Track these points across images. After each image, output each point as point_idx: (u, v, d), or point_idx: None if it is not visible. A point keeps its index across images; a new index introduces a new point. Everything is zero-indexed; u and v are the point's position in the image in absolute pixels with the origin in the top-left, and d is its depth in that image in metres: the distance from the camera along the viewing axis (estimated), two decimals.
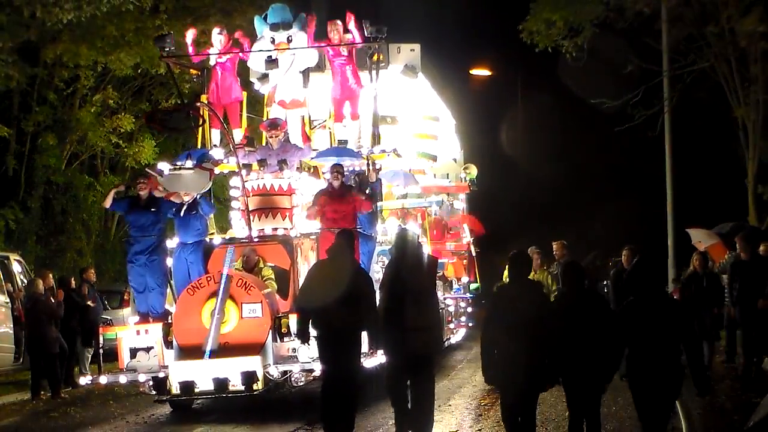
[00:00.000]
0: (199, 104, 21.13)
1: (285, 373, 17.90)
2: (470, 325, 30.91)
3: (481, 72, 39.25)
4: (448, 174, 28.96)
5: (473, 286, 30.98)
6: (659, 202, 32.93)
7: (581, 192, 41.95)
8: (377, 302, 14.87)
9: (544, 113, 42.55)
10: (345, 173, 19.88)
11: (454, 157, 29.79)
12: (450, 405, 19.61)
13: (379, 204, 21.92)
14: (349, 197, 19.34)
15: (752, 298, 19.29)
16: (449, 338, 26.87)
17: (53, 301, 23.48)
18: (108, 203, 20.30)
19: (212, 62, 21.47)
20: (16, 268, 27.08)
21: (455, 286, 29.07)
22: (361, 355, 15.73)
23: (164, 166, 20.15)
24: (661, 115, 32.54)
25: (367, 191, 19.90)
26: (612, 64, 33.57)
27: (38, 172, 34.93)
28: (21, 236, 33.70)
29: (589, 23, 32.13)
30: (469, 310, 30.79)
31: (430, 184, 27.24)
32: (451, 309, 27.96)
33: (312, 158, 21.07)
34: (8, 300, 25.33)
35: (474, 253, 30.01)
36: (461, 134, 31.50)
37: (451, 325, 27.68)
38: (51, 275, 25.21)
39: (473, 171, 30.17)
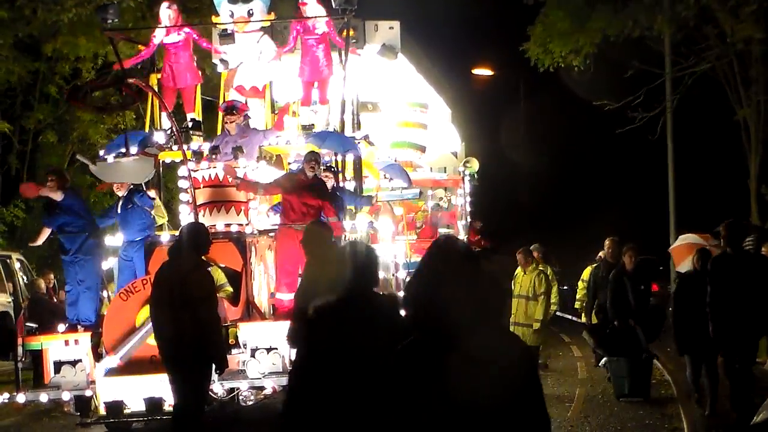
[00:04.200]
0: (131, 81, 17.04)
1: (232, 390, 14.10)
2: None
3: (484, 71, 36.50)
4: (445, 168, 25.80)
5: None
6: (662, 203, 31.56)
7: (583, 192, 40.26)
8: None
9: (546, 114, 40.34)
10: (319, 162, 16.13)
11: (452, 150, 26.71)
12: None
13: (365, 196, 18.64)
14: (321, 195, 15.62)
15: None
16: None
17: (55, 300, 21.13)
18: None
19: (157, 40, 17.70)
20: (18, 267, 25.12)
21: None
22: None
23: (109, 154, 16.84)
24: (661, 117, 30.88)
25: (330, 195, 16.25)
26: (613, 67, 30.98)
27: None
28: (23, 235, 30.45)
29: (589, 43, 30.16)
30: None
31: (426, 177, 24.16)
32: None
33: (307, 141, 17.19)
34: (11, 299, 22.65)
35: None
36: (461, 127, 28.13)
37: None
38: (52, 275, 22.95)
39: (474, 165, 26.65)
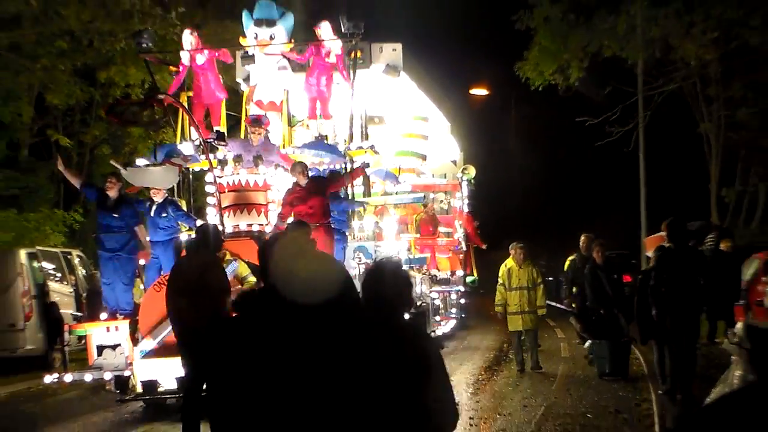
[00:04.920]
0: (161, 97, 16.56)
1: None
2: (462, 316, 26.74)
3: (480, 91, 36.08)
4: (445, 174, 25.13)
5: (469, 278, 26.65)
6: (634, 205, 30.96)
7: (566, 195, 39.43)
8: None
9: (534, 127, 39.82)
10: (309, 170, 15.57)
11: (452, 159, 26.07)
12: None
13: (357, 201, 17.94)
14: (320, 190, 15.12)
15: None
16: (434, 330, 22.31)
17: None
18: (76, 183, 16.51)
19: (185, 62, 17.10)
20: (78, 262, 24.26)
21: (446, 279, 24.56)
22: None
23: (141, 161, 16.62)
24: (634, 131, 30.77)
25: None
26: (594, 86, 31.35)
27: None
28: (82, 235, 30.42)
29: (578, 67, 30.31)
30: (462, 301, 26.36)
31: (428, 182, 23.55)
32: (437, 302, 23.41)
33: (295, 151, 16.70)
34: (72, 290, 22.83)
35: (466, 248, 25.36)
36: (460, 138, 27.41)
37: (437, 318, 23.12)
38: None
39: (471, 171, 26.24)
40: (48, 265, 22.49)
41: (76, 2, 23.56)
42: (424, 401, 5.04)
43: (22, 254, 22.07)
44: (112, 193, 15.27)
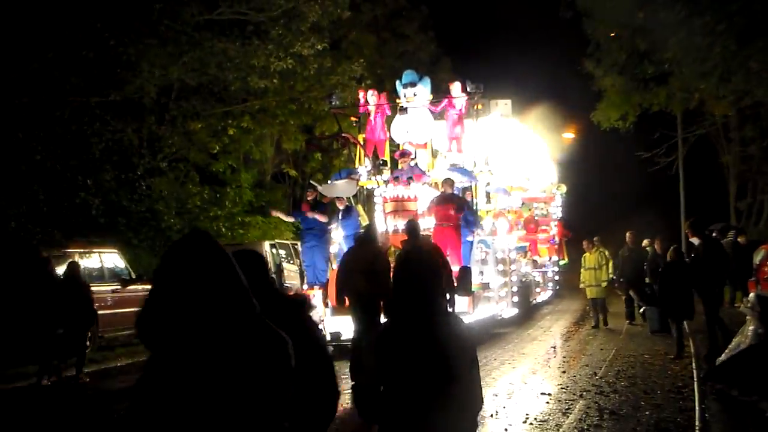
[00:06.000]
0: (344, 135, 15.99)
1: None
2: (556, 288, 25.63)
3: (569, 135, 34.45)
4: (545, 190, 23.26)
5: (562, 262, 25.10)
6: (676, 213, 30.09)
7: (626, 206, 36.31)
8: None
9: (606, 157, 37.88)
10: (455, 185, 14.70)
11: (551, 180, 24.11)
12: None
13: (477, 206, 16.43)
14: (454, 202, 14.11)
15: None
16: (534, 299, 21.43)
17: None
18: (285, 218, 16.54)
19: (368, 113, 16.42)
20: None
21: (545, 263, 23.26)
22: None
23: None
24: (675, 162, 30.18)
25: (463, 206, 14.51)
26: (647, 130, 29.95)
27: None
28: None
29: (632, 113, 28.97)
30: (556, 278, 25.11)
31: (531, 195, 21.94)
32: (537, 279, 22.36)
33: (443, 173, 15.57)
34: (297, 269, 21.51)
35: (558, 240, 23.94)
36: (556, 162, 25.79)
37: (537, 289, 22.15)
38: None
39: (563, 188, 24.88)
40: (282, 252, 22.08)
41: (302, 79, 23.19)
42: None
43: (266, 245, 21.78)
44: (310, 198, 14.68)
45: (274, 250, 22.11)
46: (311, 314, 3.82)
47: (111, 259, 16.94)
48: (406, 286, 3.65)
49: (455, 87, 15.69)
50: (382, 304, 10.30)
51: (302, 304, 3.83)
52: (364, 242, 11.15)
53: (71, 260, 13.70)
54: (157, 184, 21.25)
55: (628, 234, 17.63)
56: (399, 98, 15.99)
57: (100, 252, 16.77)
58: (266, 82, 20.81)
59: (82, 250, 16.21)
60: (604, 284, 17.55)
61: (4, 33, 15.43)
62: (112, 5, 16.67)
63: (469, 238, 14.46)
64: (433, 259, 9.37)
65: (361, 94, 16.59)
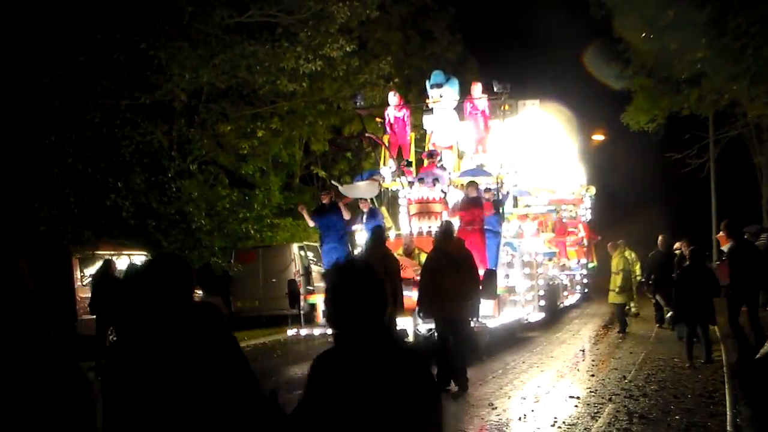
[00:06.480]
0: (367, 134, 15.88)
1: (430, 330, 12.37)
2: (585, 291, 25.12)
3: (599, 137, 34.40)
4: (573, 192, 22.75)
5: (591, 265, 24.90)
6: (707, 214, 30.26)
7: (656, 207, 35.81)
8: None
9: (635, 160, 37.06)
10: (478, 187, 14.31)
11: (580, 181, 23.73)
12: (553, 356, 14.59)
13: (506, 210, 16.10)
14: (479, 204, 13.87)
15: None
16: (562, 302, 20.88)
17: None
18: (309, 221, 15.48)
19: (389, 112, 16.33)
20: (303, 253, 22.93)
21: (573, 266, 22.90)
22: None
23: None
24: (706, 163, 29.87)
25: (492, 201, 14.41)
26: (678, 131, 29.49)
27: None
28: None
29: (663, 118, 28.38)
30: (585, 281, 24.78)
31: (559, 197, 21.38)
32: (565, 282, 21.88)
33: (458, 176, 15.51)
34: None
35: (587, 243, 23.62)
36: (586, 165, 25.48)
37: (565, 293, 21.70)
38: None
39: (592, 190, 24.74)
40: (311, 254, 22.12)
41: (331, 81, 23.22)
42: None
43: (295, 247, 22.12)
44: (326, 201, 14.58)
45: (302, 252, 22.12)
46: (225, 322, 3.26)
47: (141, 261, 17.04)
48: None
49: (476, 88, 15.52)
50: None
51: (215, 313, 3.17)
52: (374, 244, 10.99)
53: (106, 258, 13.88)
54: (187, 187, 21.26)
55: (660, 237, 17.23)
56: (428, 98, 15.88)
57: (129, 254, 16.85)
58: (295, 85, 20.78)
59: (112, 252, 16.33)
60: (616, 289, 16.97)
61: (37, 37, 15.56)
62: (143, 8, 16.73)
63: (495, 242, 14.27)
64: (462, 253, 9.23)
65: (392, 95, 16.47)
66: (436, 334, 10.63)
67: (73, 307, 15.86)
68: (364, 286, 2.76)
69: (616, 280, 17.03)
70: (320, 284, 20.10)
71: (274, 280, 20.92)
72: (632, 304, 19.20)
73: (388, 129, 16.01)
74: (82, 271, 16.69)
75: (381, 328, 2.76)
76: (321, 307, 13.86)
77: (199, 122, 22.15)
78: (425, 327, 12.34)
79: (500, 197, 14.92)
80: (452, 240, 10.51)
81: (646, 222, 28.24)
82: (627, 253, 17.49)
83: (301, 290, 18.88)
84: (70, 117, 17.40)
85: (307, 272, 21.70)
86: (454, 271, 9.85)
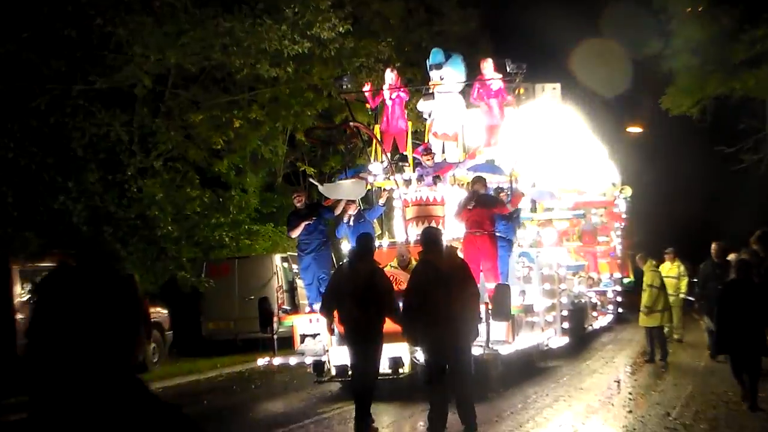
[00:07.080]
0: (352, 123, 15.50)
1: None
2: (619, 311, 24.19)
3: (635, 129, 34.03)
4: (605, 193, 22.34)
5: (626, 280, 24.36)
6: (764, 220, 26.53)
7: (703, 210, 36.42)
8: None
9: (678, 155, 36.89)
10: (487, 184, 13.80)
11: (612, 181, 23.21)
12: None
13: (521, 214, 15.77)
14: (489, 204, 13.26)
15: None
16: (591, 325, 20.12)
17: None
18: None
19: (379, 98, 15.76)
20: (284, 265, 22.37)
21: (604, 281, 22.28)
22: None
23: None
24: (766, 159, 28.07)
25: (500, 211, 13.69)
26: (731, 121, 28.44)
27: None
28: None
29: (710, 100, 27.36)
30: (619, 299, 23.84)
31: (587, 200, 20.87)
32: (594, 300, 21.24)
33: (467, 169, 14.83)
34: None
35: (623, 254, 23.48)
36: (617, 162, 24.56)
37: (594, 313, 21.05)
38: None
39: (628, 191, 24.05)
40: (296, 267, 20.89)
41: (320, 64, 22.95)
42: None
43: (277, 258, 21.79)
44: (300, 205, 14.16)
45: (285, 264, 21.76)
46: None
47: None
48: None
49: (487, 65, 14.96)
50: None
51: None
52: (359, 256, 10.36)
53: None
54: (150, 187, 20.94)
55: (713, 246, 15.91)
56: (430, 80, 15.48)
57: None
58: (278, 71, 20.41)
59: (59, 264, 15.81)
60: (642, 314, 16.21)
61: None
62: None
63: (507, 251, 13.73)
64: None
65: (389, 72, 15.91)
66: (426, 366, 9.96)
67: (11, 328, 15.33)
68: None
69: (644, 299, 16.26)
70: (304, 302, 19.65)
71: (252, 297, 20.36)
72: (670, 327, 18.15)
73: (384, 117, 15.46)
74: (22, 286, 16.19)
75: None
76: (299, 330, 13.28)
77: (165, 111, 21.89)
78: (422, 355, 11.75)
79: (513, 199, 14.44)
80: (439, 249, 9.74)
81: (698, 229, 27.82)
82: (675, 265, 17.01)
83: (285, 308, 18.45)
84: (12, 104, 17.17)
85: (292, 288, 21.44)
86: (444, 288, 9.14)
